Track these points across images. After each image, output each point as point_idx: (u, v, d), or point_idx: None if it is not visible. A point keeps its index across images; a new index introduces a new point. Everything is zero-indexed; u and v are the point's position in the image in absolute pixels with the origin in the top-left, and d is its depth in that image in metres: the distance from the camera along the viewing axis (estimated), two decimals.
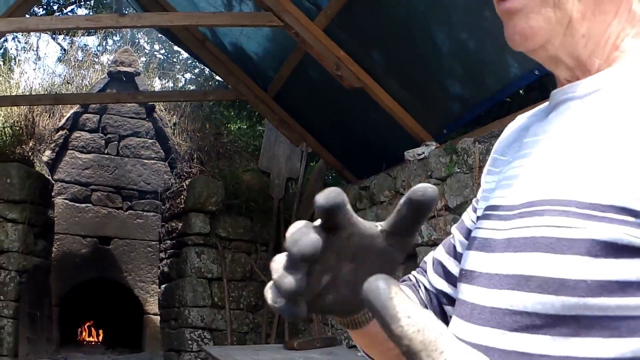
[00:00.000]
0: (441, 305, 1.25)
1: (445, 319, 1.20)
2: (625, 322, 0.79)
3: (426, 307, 1.24)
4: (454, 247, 1.27)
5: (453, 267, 1.24)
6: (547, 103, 1.08)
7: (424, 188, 0.76)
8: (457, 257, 1.23)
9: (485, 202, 1.11)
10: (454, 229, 1.30)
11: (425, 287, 1.29)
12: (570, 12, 0.96)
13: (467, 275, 1.03)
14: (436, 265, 1.29)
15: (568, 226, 0.84)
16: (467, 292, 1.01)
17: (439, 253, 1.30)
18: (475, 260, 1.02)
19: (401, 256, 0.84)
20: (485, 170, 1.23)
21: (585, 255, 0.82)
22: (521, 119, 1.19)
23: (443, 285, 1.25)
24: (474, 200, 1.28)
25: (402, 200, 0.78)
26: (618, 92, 0.92)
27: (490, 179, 1.18)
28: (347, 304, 0.87)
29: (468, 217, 1.27)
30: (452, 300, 1.20)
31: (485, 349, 0.88)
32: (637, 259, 0.79)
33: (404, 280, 1.33)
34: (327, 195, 0.75)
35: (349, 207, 0.77)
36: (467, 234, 1.21)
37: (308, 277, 0.78)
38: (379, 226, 0.83)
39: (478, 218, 1.12)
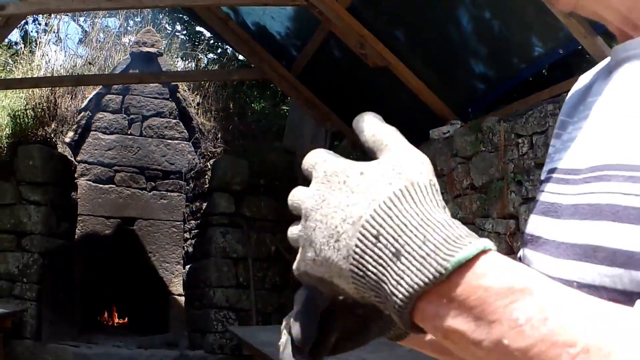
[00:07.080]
0: None
1: None
2: None
3: None
4: None
5: None
6: (608, 59, 1.02)
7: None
8: None
9: (549, 164, 1.05)
10: None
11: None
12: None
13: (532, 241, 0.97)
14: None
15: (636, 194, 0.77)
16: (533, 260, 0.94)
17: None
18: (541, 226, 0.96)
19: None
20: (553, 133, 1.16)
21: None
22: (584, 78, 1.13)
23: None
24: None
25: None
26: None
27: (556, 142, 1.11)
28: (367, 333, 0.88)
29: None
30: None
31: None
32: None
33: None
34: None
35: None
36: None
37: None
38: None
39: (542, 181, 1.06)
